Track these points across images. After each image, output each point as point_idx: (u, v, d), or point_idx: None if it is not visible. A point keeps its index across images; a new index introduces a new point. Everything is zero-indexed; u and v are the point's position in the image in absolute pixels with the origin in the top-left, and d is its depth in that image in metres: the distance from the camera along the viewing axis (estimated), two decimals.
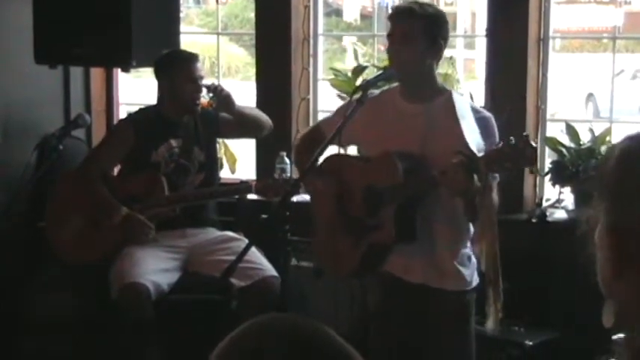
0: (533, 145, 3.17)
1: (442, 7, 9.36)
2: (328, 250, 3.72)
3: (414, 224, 3.49)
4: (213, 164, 4.83)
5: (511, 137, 3.20)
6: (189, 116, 4.70)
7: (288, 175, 4.78)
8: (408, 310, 3.60)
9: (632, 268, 1.41)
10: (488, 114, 3.58)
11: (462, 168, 3.23)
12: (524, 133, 3.27)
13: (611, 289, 1.46)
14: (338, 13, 11.26)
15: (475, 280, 3.59)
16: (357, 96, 3.61)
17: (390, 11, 3.73)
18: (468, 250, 3.59)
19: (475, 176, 3.25)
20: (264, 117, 4.81)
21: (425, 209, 3.47)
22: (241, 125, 4.73)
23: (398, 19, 3.55)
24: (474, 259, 3.60)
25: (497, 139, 3.48)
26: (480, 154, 3.23)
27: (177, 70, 4.60)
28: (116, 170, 4.86)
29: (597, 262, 1.49)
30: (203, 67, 4.80)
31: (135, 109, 5.32)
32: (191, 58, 4.64)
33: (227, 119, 4.74)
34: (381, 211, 3.51)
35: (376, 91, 3.73)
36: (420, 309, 3.57)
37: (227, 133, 4.94)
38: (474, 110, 3.53)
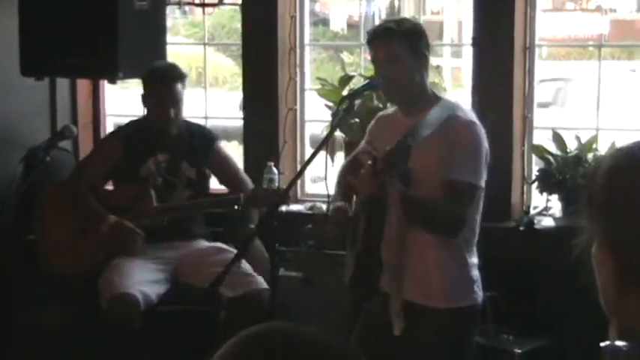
0: (408, 144, 3.13)
1: (428, 15, 9.39)
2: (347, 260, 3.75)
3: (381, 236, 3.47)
4: (203, 181, 4.78)
5: (399, 139, 3.18)
6: (179, 130, 4.69)
7: (277, 185, 4.77)
8: (391, 326, 3.56)
9: (638, 280, 1.41)
10: (467, 120, 3.49)
11: (368, 171, 3.23)
12: (405, 136, 3.22)
13: (617, 306, 1.45)
14: (325, 22, 11.25)
15: (473, 299, 3.55)
16: (343, 106, 3.62)
17: (367, 35, 3.69)
18: (463, 268, 3.54)
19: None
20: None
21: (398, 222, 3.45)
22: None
23: (378, 42, 3.53)
24: (473, 276, 3.56)
25: (477, 145, 3.45)
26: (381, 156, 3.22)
27: (153, 88, 4.61)
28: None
29: (598, 282, 1.48)
30: (184, 83, 4.71)
31: (122, 120, 5.32)
32: (167, 79, 4.60)
33: (220, 159, 4.75)
34: (359, 224, 3.53)
35: (391, 109, 3.75)
36: (406, 326, 3.52)
37: (214, 171, 4.85)
38: (453, 117, 3.45)
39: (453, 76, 9.34)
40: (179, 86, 4.60)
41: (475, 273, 3.56)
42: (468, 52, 6.11)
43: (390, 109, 3.77)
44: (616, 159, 1.48)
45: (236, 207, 4.48)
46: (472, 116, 3.55)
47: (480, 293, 3.56)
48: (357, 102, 3.70)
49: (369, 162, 3.24)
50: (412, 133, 3.30)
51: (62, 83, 5.45)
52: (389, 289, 3.53)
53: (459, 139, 3.41)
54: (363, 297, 3.77)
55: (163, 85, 4.59)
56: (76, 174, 4.76)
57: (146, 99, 4.66)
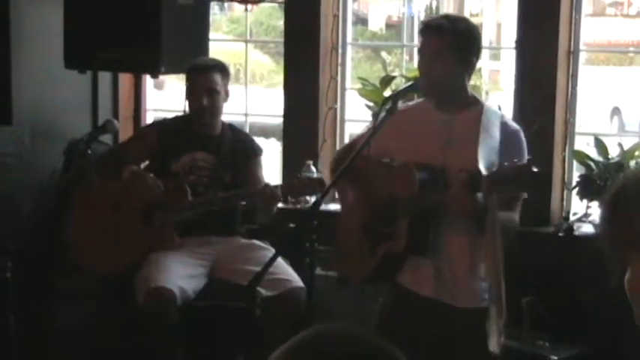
0: (535, 170, 3.08)
1: (468, 17, 9.35)
2: (347, 253, 3.72)
3: (427, 238, 3.45)
4: (238, 186, 4.63)
5: (515, 159, 3.15)
6: (223, 132, 4.69)
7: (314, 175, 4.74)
8: (416, 324, 3.54)
9: None
10: (515, 128, 3.52)
11: (465, 187, 3.21)
12: (528, 157, 3.20)
13: None
14: (364, 22, 11.25)
15: None
16: (387, 106, 3.60)
17: (420, 25, 3.70)
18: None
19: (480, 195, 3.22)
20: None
21: (440, 223, 3.43)
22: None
23: (427, 34, 3.51)
24: None
25: (524, 153, 3.44)
26: (485, 174, 3.18)
27: (190, 77, 4.62)
28: None
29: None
30: (227, 76, 4.69)
31: (162, 115, 5.34)
32: (203, 68, 4.60)
33: (252, 172, 4.67)
34: (397, 222, 3.49)
35: (410, 103, 3.72)
36: (428, 324, 3.52)
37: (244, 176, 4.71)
38: (504, 125, 3.47)
39: (491, 79, 9.29)
40: (216, 77, 4.58)
41: None
42: (506, 54, 6.07)
43: (409, 103, 3.74)
44: None
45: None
46: (515, 124, 3.58)
47: None
48: (400, 103, 3.67)
49: (463, 177, 3.21)
50: (487, 143, 3.31)
51: (104, 77, 5.48)
52: (443, 299, 3.51)
53: (513, 149, 3.41)
54: (379, 292, 3.79)
55: (199, 73, 4.59)
56: (107, 151, 4.80)
57: (186, 90, 4.66)
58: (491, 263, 3.39)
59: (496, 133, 3.41)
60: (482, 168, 3.19)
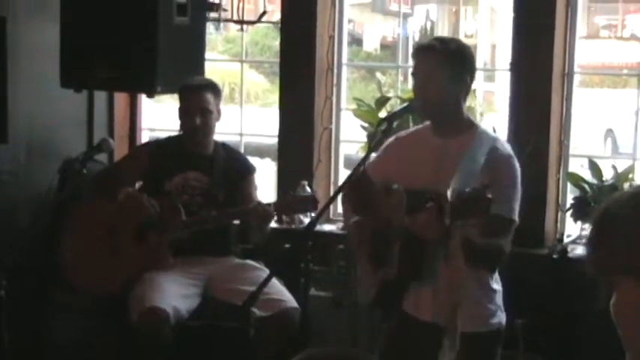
0: (488, 196, 3.03)
1: (462, 38, 9.38)
2: (357, 277, 3.73)
3: (420, 262, 3.42)
4: (232, 205, 4.60)
5: (475, 186, 3.10)
6: (216, 152, 4.69)
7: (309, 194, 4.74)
8: (416, 349, 3.55)
9: None
10: (505, 154, 3.46)
11: (431, 214, 3.20)
12: (485, 183, 3.11)
13: None
14: (358, 42, 11.28)
15: (496, 323, 3.52)
16: (382, 127, 3.61)
17: (414, 46, 3.72)
18: (487, 289, 3.52)
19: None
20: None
21: (434, 247, 3.40)
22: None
23: (419, 55, 3.51)
24: (497, 300, 3.55)
25: (513, 179, 3.42)
26: (450, 201, 3.12)
27: (183, 96, 4.63)
28: None
29: (626, 333, 1.45)
30: (219, 95, 4.71)
31: (157, 134, 5.34)
32: (196, 87, 4.61)
33: (247, 190, 4.67)
34: (392, 247, 3.49)
35: (411, 129, 3.73)
36: (428, 348, 3.51)
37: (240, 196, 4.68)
38: (493, 150, 3.42)
39: (485, 100, 9.32)
40: (208, 96, 4.59)
41: (499, 297, 3.54)
42: (501, 76, 6.09)
43: (410, 129, 3.77)
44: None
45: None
46: (509, 149, 3.53)
47: (503, 316, 3.54)
48: (395, 124, 3.68)
49: (431, 204, 3.20)
50: (467, 168, 3.29)
51: (100, 96, 5.49)
52: (441, 322, 3.50)
53: (499, 174, 3.36)
54: (383, 318, 3.77)
55: (192, 92, 4.60)
56: (102, 171, 4.82)
57: (179, 110, 4.67)
58: (447, 292, 3.39)
59: (481, 159, 3.37)
60: (449, 195, 3.15)
